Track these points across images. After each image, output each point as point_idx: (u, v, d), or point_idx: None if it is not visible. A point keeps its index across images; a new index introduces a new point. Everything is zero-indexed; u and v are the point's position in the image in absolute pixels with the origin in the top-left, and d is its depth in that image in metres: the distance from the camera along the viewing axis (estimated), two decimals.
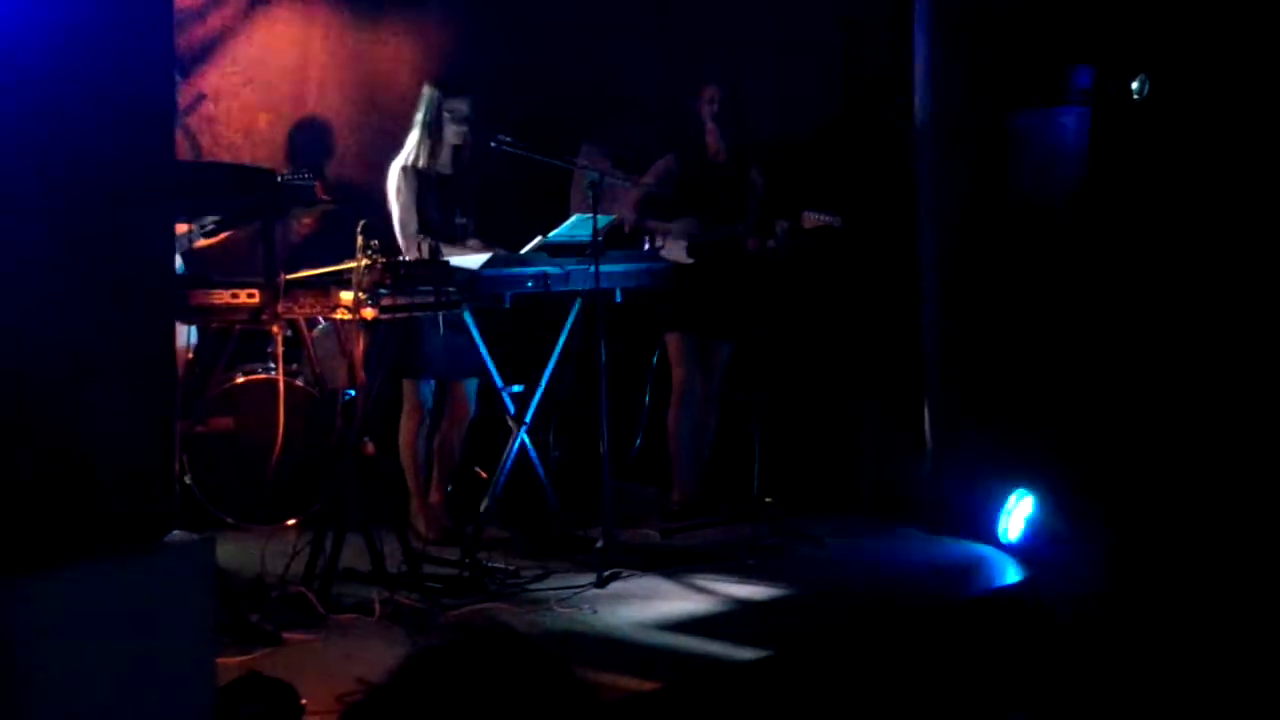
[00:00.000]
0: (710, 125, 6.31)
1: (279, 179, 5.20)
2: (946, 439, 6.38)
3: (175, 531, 3.86)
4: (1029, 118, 6.75)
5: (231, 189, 4.94)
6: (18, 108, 3.58)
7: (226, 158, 6.30)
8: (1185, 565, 5.32)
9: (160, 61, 4.07)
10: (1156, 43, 6.52)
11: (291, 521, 5.75)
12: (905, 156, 6.66)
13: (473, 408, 5.97)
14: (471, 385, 5.94)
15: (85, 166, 3.70)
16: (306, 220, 6.40)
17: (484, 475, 5.98)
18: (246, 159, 6.36)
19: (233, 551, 5.10)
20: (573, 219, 5.69)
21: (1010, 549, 5.89)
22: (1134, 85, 6.51)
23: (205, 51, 6.45)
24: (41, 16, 3.65)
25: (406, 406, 5.86)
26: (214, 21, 6.53)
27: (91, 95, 3.69)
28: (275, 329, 4.93)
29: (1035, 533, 5.90)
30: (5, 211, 3.55)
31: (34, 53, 3.60)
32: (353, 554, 5.14)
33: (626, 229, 6.25)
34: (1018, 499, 5.95)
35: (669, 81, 7.27)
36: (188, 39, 6.34)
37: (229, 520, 5.72)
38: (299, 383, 5.77)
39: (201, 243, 5.47)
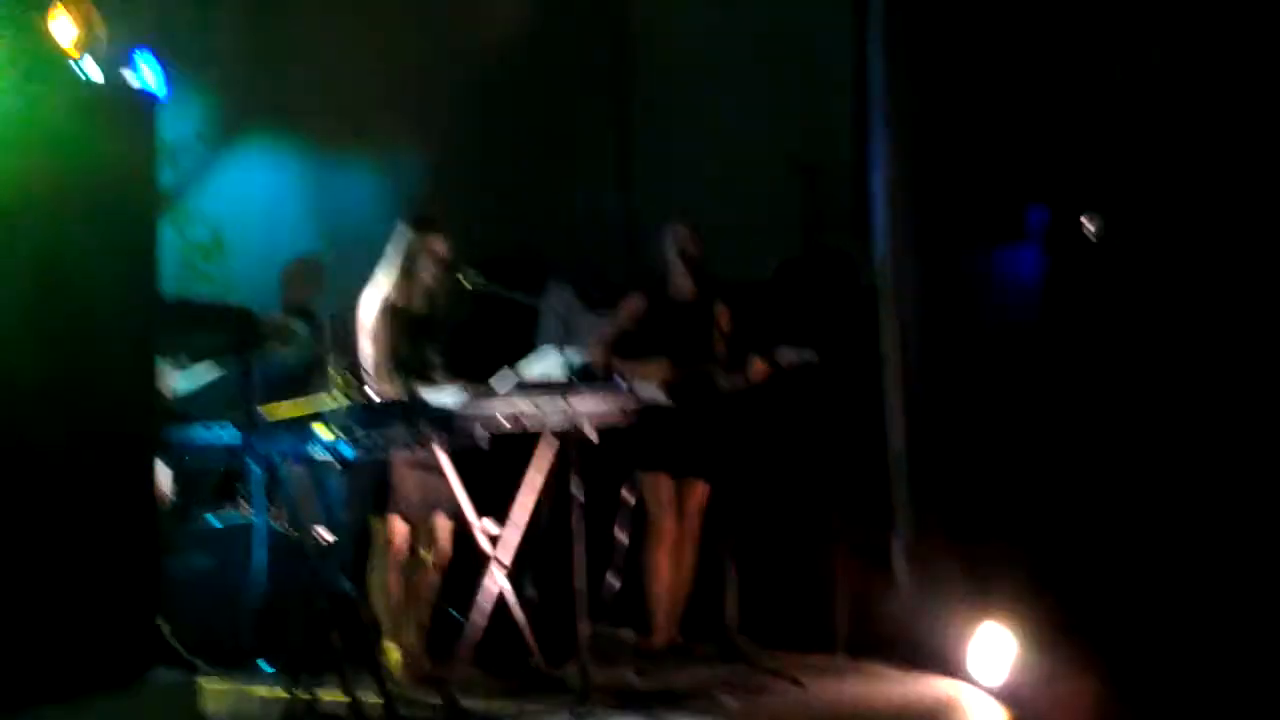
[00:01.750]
0: (677, 264, 6.35)
1: (253, 315, 5.18)
2: (917, 575, 6.38)
3: (159, 670, 3.79)
4: (989, 256, 6.89)
5: (208, 325, 4.93)
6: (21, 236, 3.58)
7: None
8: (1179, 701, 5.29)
9: (149, 198, 4.10)
10: (1111, 183, 6.69)
11: (266, 665, 5.62)
12: (869, 294, 6.75)
13: (446, 547, 5.90)
14: (444, 524, 5.87)
15: (77, 296, 3.70)
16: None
17: (459, 616, 5.89)
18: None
19: (208, 694, 4.97)
20: (541, 352, 5.70)
21: (988, 688, 5.84)
22: (1086, 223, 6.66)
23: (177, 193, 6.48)
24: (45, 157, 3.69)
25: (378, 545, 5.77)
26: (184, 164, 6.57)
27: (86, 226, 3.70)
28: (253, 468, 4.88)
29: (1013, 670, 5.86)
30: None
31: (39, 189, 3.62)
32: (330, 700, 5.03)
33: (598, 370, 6.24)
34: (990, 635, 5.93)
35: (634, 221, 7.37)
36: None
37: (201, 664, 5.58)
38: (273, 524, 5.68)
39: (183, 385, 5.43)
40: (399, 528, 5.79)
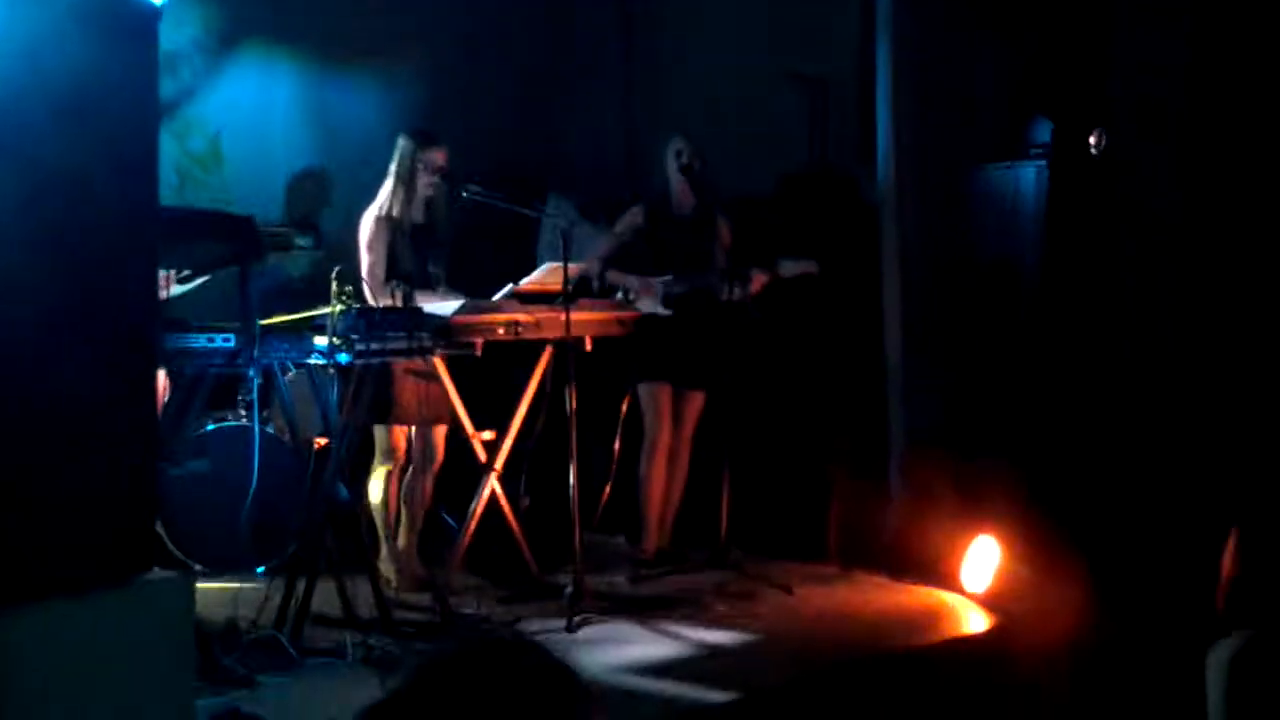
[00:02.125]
0: (677, 177, 6.38)
1: (255, 225, 5.23)
2: (911, 487, 6.46)
3: (154, 569, 3.88)
4: (990, 172, 6.89)
5: (211, 235, 4.99)
6: (18, 153, 3.63)
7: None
8: (1158, 612, 5.36)
9: (148, 108, 4.14)
10: (1114, 97, 6.67)
11: (262, 569, 5.74)
12: (870, 211, 6.77)
13: (441, 454, 6.00)
14: (441, 432, 5.97)
15: (78, 209, 3.76)
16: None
17: (453, 522, 6.00)
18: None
19: (204, 598, 5.08)
20: (543, 267, 5.75)
21: (976, 597, 5.94)
22: (1091, 139, 6.65)
23: (175, 104, 6.52)
24: (43, 70, 3.72)
25: (380, 453, 5.88)
26: (183, 74, 6.60)
27: (85, 140, 3.75)
28: (250, 374, 4.96)
29: (1001, 581, 5.95)
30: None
31: (36, 103, 3.67)
32: (324, 600, 5.15)
33: (595, 286, 6.29)
34: (983, 546, 6.02)
35: (635, 134, 7.38)
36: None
37: (198, 567, 5.71)
38: (270, 429, 5.78)
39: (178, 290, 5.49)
40: (399, 435, 5.90)
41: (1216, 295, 6.22)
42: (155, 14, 4.46)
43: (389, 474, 5.88)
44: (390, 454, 5.87)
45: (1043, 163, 6.93)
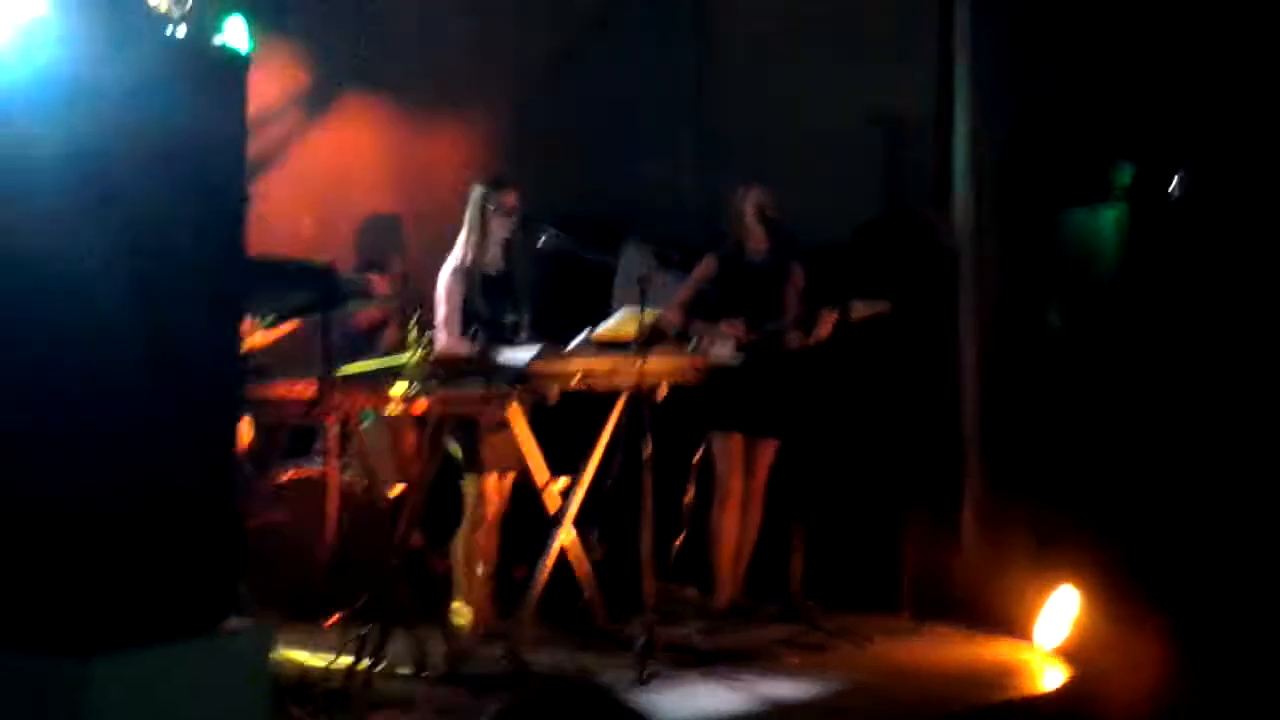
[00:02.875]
0: (753, 225, 6.38)
1: (336, 273, 5.28)
2: (986, 537, 6.39)
3: (233, 619, 3.91)
4: (1071, 215, 6.83)
5: (295, 283, 5.03)
6: (112, 198, 3.70)
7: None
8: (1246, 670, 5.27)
9: (237, 155, 4.20)
10: (1195, 141, 6.61)
11: (335, 618, 5.76)
12: (947, 255, 6.73)
13: (507, 503, 6.00)
14: (509, 481, 5.97)
15: (168, 256, 3.82)
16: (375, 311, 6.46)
17: (523, 572, 6.00)
18: None
19: (278, 647, 5.11)
20: (619, 313, 5.75)
21: (1052, 650, 5.86)
22: (1172, 183, 6.59)
23: (262, 159, 6.59)
24: (137, 117, 3.79)
25: (471, 504, 5.86)
26: (274, 131, 6.68)
27: (176, 187, 3.81)
28: (330, 421, 4.99)
29: (1079, 634, 5.86)
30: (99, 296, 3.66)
31: (129, 149, 3.74)
32: (397, 650, 5.16)
33: (671, 330, 6.29)
34: (1060, 599, 5.94)
35: (710, 180, 7.37)
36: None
37: (273, 616, 5.72)
38: (347, 478, 5.80)
39: (260, 340, 5.53)
40: (490, 486, 5.88)
41: None
42: (245, 63, 4.52)
43: (473, 524, 5.86)
44: (484, 503, 5.85)
45: (1124, 205, 6.88)
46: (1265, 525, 6.01)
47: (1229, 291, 6.50)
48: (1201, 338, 6.51)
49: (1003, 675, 5.69)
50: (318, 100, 6.95)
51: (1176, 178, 6.77)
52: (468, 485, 5.84)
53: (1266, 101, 6.45)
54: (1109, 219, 7.02)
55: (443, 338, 5.72)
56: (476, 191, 5.94)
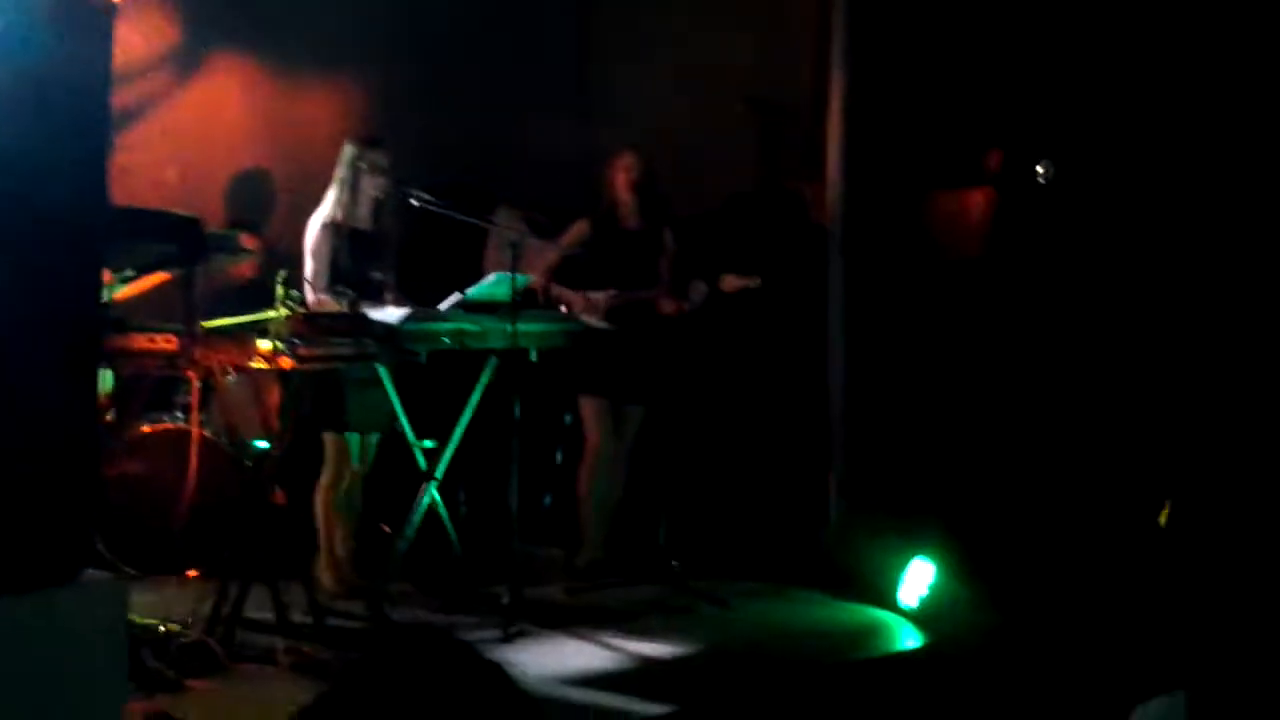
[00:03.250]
0: (625, 192, 6.41)
1: (201, 227, 5.21)
2: (850, 504, 6.50)
3: (89, 571, 3.85)
4: (938, 198, 6.95)
5: (158, 235, 4.96)
6: None
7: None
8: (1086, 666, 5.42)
9: (101, 103, 4.13)
10: (1062, 128, 6.75)
11: (194, 572, 5.70)
12: (817, 230, 6.82)
13: (370, 461, 5.99)
14: (373, 439, 5.95)
15: (29, 201, 3.75)
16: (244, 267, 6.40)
17: (388, 530, 5.99)
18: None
19: (135, 600, 5.05)
20: (491, 277, 5.76)
21: (910, 615, 5.99)
22: (1039, 168, 6.73)
23: (130, 113, 6.48)
24: (6, 67, 3.72)
25: (329, 460, 5.84)
26: (142, 86, 6.57)
27: (38, 132, 3.75)
28: (191, 375, 4.93)
29: (935, 600, 6.00)
30: None
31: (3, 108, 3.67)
32: (257, 605, 5.12)
33: (540, 296, 6.32)
34: (918, 565, 6.07)
35: (585, 149, 7.39)
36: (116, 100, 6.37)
37: (130, 570, 5.65)
38: (208, 433, 5.74)
39: (123, 292, 5.44)
40: (345, 442, 5.86)
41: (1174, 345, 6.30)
42: (111, 9, 4.45)
43: (336, 481, 5.85)
44: (342, 461, 5.83)
45: (991, 189, 7.00)
46: (1110, 499, 6.19)
47: (1091, 277, 6.66)
48: (1062, 322, 6.67)
49: (863, 636, 5.80)
50: (188, 57, 6.84)
51: (1042, 164, 6.91)
52: (329, 441, 5.82)
53: (1130, 91, 6.61)
54: (976, 202, 7.15)
55: (311, 295, 5.68)
56: (348, 149, 5.91)
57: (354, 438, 5.84)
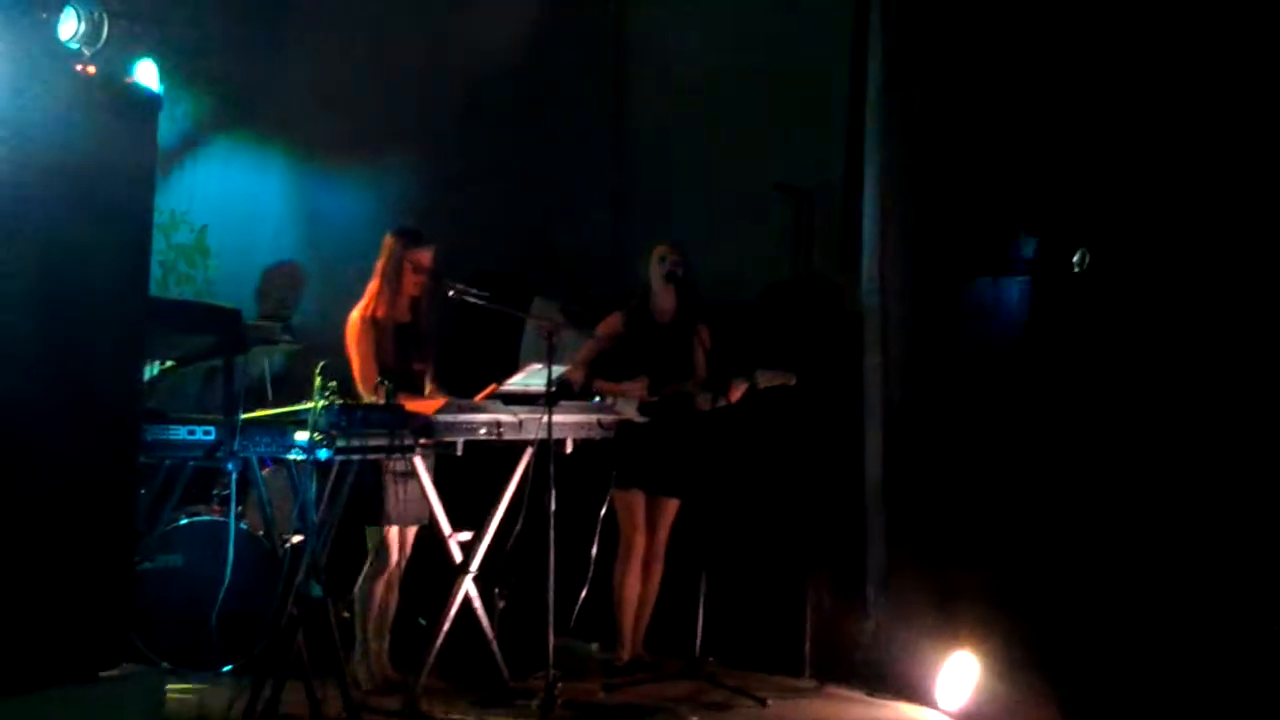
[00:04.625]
0: (661, 285, 6.40)
1: (242, 318, 5.22)
2: (888, 602, 6.42)
3: (125, 666, 3.83)
4: (975, 287, 6.93)
5: (197, 326, 4.97)
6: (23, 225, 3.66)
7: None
8: None
9: (146, 191, 4.18)
10: (1098, 217, 6.74)
11: (229, 668, 5.64)
12: (855, 320, 6.80)
13: (409, 553, 5.94)
14: (412, 532, 5.90)
15: (75, 287, 3.78)
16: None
17: (424, 623, 5.92)
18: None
19: (170, 695, 4.99)
20: (528, 369, 5.74)
21: (951, 713, 5.88)
22: (1074, 258, 6.71)
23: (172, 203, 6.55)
24: (51, 149, 3.77)
25: (373, 554, 5.78)
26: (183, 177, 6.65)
27: (85, 218, 3.79)
28: (229, 468, 4.91)
29: (977, 698, 5.89)
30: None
31: (42, 179, 3.71)
32: (292, 700, 5.05)
33: (575, 387, 6.29)
34: (958, 663, 5.97)
35: (623, 239, 7.42)
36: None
37: (165, 664, 5.59)
38: (244, 525, 5.70)
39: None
40: (390, 535, 5.80)
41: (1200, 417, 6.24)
42: (157, 101, 4.51)
43: (373, 574, 5.78)
44: (386, 554, 5.77)
45: (1027, 279, 6.98)
46: (1159, 594, 6.09)
47: (1126, 363, 6.61)
48: (1099, 409, 6.61)
49: None
50: (228, 147, 6.90)
51: (1078, 253, 6.89)
52: (370, 535, 5.77)
53: (1166, 179, 6.60)
54: (1012, 291, 7.13)
55: (361, 388, 5.65)
56: (391, 244, 5.90)
57: (393, 531, 5.78)
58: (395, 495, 5.66)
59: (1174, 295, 6.49)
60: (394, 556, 5.79)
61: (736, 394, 6.25)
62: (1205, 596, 5.85)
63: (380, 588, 5.79)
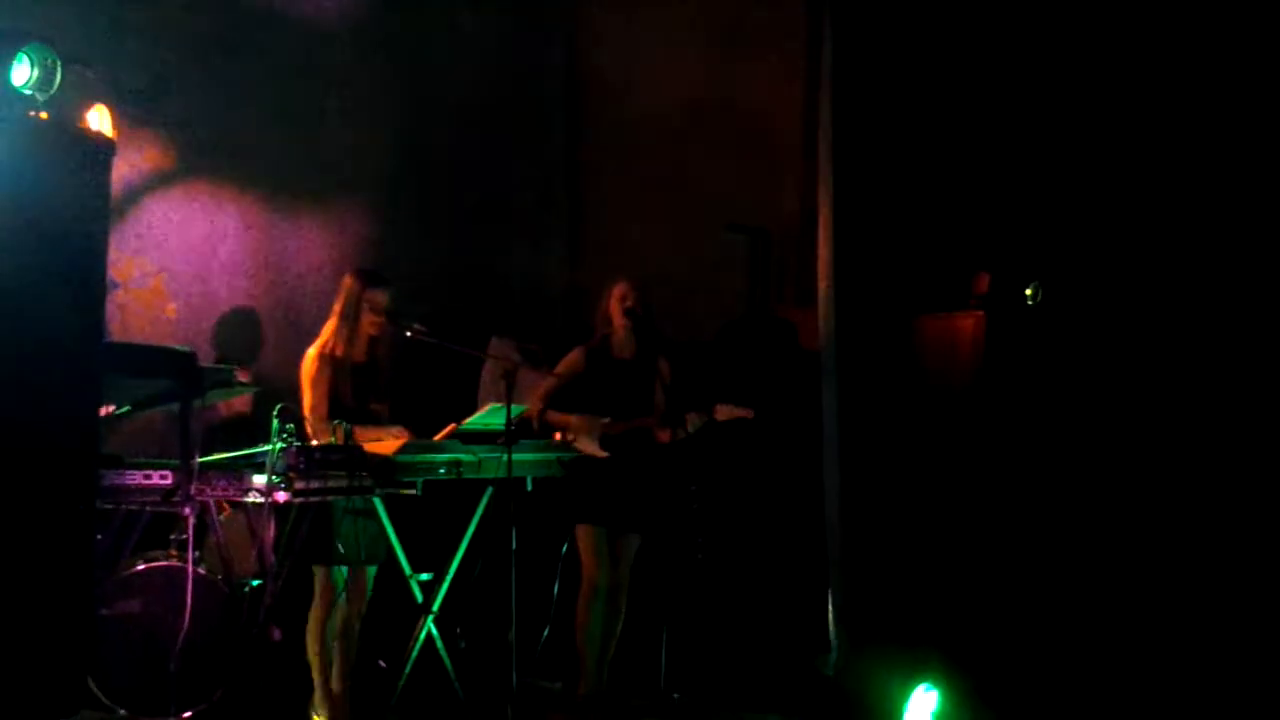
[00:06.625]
0: (620, 321, 6.43)
1: (198, 361, 5.20)
2: (849, 631, 6.42)
3: (83, 711, 3.79)
4: (928, 322, 6.98)
5: (153, 369, 4.95)
6: None
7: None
8: None
9: (100, 233, 4.18)
10: (1051, 251, 6.81)
11: (188, 713, 5.58)
12: (808, 357, 6.83)
13: (369, 594, 5.92)
14: (370, 571, 5.88)
15: (31, 327, 3.77)
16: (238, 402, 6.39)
17: (384, 665, 5.89)
18: None
19: None
20: (487, 408, 5.75)
21: None
22: (1028, 291, 6.76)
23: (127, 248, 6.52)
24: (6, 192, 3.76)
25: (319, 594, 5.76)
26: (140, 220, 6.62)
27: (40, 260, 3.78)
28: (186, 512, 4.88)
29: None
30: None
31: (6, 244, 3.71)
32: None
33: (535, 424, 6.31)
34: (921, 696, 5.98)
35: (578, 278, 7.45)
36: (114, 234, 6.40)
37: (122, 711, 5.53)
38: (202, 570, 5.67)
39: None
40: (337, 577, 5.78)
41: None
42: (111, 146, 4.52)
43: (327, 616, 5.75)
44: (332, 595, 5.75)
45: (980, 313, 7.03)
46: (1123, 624, 6.13)
47: (1081, 394, 6.67)
48: (1056, 440, 6.66)
49: None
50: (184, 191, 6.88)
51: (1031, 286, 6.95)
52: (316, 574, 5.74)
53: (1117, 213, 6.68)
54: (965, 326, 7.18)
55: (309, 427, 5.65)
56: (350, 284, 5.91)
57: (342, 570, 5.75)
58: (353, 534, 5.64)
59: (1128, 326, 6.56)
60: (340, 596, 5.76)
61: (693, 425, 6.27)
62: (1166, 623, 5.89)
63: (330, 628, 5.75)
